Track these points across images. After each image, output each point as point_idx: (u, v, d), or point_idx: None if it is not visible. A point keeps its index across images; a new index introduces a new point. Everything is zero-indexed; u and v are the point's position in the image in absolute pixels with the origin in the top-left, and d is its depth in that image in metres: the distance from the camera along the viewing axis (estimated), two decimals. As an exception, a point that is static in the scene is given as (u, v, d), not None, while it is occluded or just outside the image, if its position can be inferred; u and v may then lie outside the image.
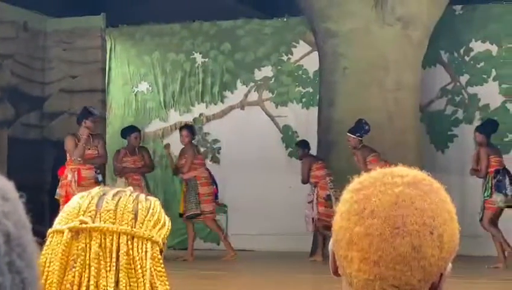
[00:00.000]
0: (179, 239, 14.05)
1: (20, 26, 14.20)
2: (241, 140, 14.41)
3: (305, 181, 12.46)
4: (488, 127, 11.92)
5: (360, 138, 11.71)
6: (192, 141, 12.69)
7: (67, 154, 11.01)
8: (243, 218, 14.25)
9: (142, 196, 1.56)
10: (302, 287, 9.75)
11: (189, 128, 12.84)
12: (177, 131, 15.02)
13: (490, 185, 11.50)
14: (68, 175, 10.83)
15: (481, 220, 11.54)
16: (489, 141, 11.71)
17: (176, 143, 14.97)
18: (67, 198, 10.50)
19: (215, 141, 14.87)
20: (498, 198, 11.42)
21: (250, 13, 14.47)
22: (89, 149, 11.05)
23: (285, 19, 14.58)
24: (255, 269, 11.64)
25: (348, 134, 11.80)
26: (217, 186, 12.69)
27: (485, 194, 11.53)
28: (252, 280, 10.33)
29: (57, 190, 10.89)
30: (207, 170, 12.75)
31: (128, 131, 12.47)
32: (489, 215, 11.52)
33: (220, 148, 14.84)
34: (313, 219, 12.31)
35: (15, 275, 0.66)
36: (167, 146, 13.11)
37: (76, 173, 10.84)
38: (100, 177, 10.98)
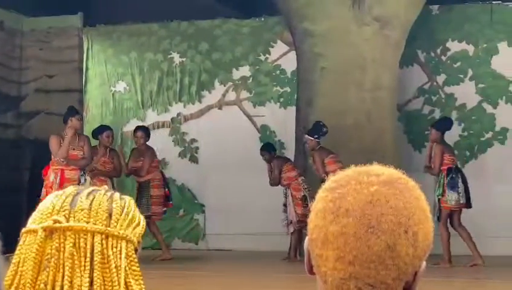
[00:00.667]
0: (155, 240, 14.05)
1: (-4, 25, 14.13)
2: (219, 140, 14.41)
3: (276, 183, 12.47)
4: (444, 124, 11.91)
5: (317, 140, 11.73)
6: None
7: (52, 155, 10.86)
8: (221, 218, 14.26)
9: (117, 195, 1.55)
10: (279, 286, 9.76)
11: (144, 130, 12.79)
12: (156, 130, 15.04)
13: (443, 183, 11.45)
14: (50, 176, 10.66)
15: (439, 220, 11.38)
16: (443, 139, 11.70)
17: (154, 143, 14.98)
18: None
19: (193, 140, 14.87)
20: (452, 196, 11.38)
21: (227, 13, 14.47)
22: (74, 150, 10.86)
23: (262, 19, 14.60)
24: (233, 268, 11.64)
25: (306, 136, 11.86)
26: (169, 189, 12.70)
27: (437, 193, 11.43)
28: (230, 279, 10.33)
29: (42, 190, 10.68)
30: (161, 172, 12.75)
31: (99, 130, 12.34)
32: (445, 215, 11.44)
33: (198, 148, 14.83)
34: (291, 221, 12.31)
35: None
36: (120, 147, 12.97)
37: (59, 174, 10.67)
38: (83, 179, 10.79)
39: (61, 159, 10.67)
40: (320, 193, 1.38)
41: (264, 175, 13.49)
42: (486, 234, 13.09)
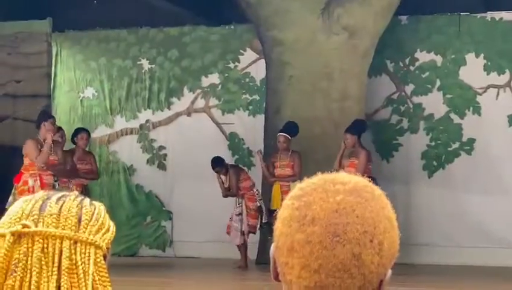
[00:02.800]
0: (124, 246, 14.00)
1: (-36, 30, 14.03)
2: (188, 147, 14.39)
3: (234, 193, 12.45)
4: (358, 127, 11.69)
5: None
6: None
7: (26, 159, 10.60)
8: (188, 225, 14.23)
9: (87, 201, 1.55)
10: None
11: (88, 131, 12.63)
12: (124, 137, 14.99)
13: None
14: (29, 181, 10.41)
15: None
16: (360, 142, 11.59)
17: (122, 149, 14.94)
18: None
19: (161, 147, 14.82)
20: None
21: (197, 20, 14.46)
22: (51, 155, 10.68)
23: (232, 27, 14.60)
24: (200, 276, 11.63)
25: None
26: None
27: None
28: (196, 287, 10.32)
29: (10, 198, 10.30)
30: None
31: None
32: None
33: (166, 155, 14.79)
34: (242, 231, 12.30)
35: None
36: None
37: (38, 178, 10.50)
38: (57, 185, 10.66)
39: (42, 165, 10.49)
40: (287, 201, 1.38)
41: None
42: (451, 243, 13.19)
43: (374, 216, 1.33)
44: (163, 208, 14.73)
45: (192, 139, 14.39)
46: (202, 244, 13.92)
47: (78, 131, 12.43)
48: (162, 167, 14.79)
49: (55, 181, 10.65)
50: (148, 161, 14.85)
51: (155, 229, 14.73)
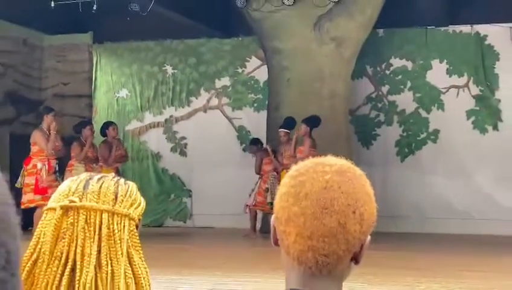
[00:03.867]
0: (152, 218, 14.02)
1: (21, 42, 14.02)
2: (204, 137, 14.38)
3: (257, 172, 12.42)
4: (313, 121, 11.43)
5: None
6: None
7: (34, 146, 10.38)
8: (205, 201, 14.24)
9: (122, 180, 1.56)
10: (253, 257, 9.78)
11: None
12: (152, 129, 14.98)
13: None
14: (38, 164, 10.23)
15: None
16: (311, 134, 11.36)
17: (150, 139, 14.94)
18: (36, 185, 10.18)
19: (183, 138, 14.82)
20: None
21: (211, 33, 14.44)
22: (56, 141, 10.54)
23: (240, 38, 14.57)
24: (216, 243, 11.64)
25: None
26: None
27: None
28: (213, 252, 10.33)
29: (21, 178, 10.22)
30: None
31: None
32: None
33: (186, 144, 14.79)
34: (248, 205, 12.23)
35: (2, 249, 0.62)
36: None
37: (46, 163, 10.35)
38: (57, 167, 10.50)
39: (51, 151, 10.42)
40: (284, 179, 1.38)
41: (240, 165, 13.53)
42: (421, 215, 13.20)
43: (356, 192, 1.34)
44: (184, 188, 14.74)
45: (208, 131, 14.38)
46: (216, 216, 13.94)
47: (108, 124, 12.26)
48: (183, 153, 14.79)
49: (56, 164, 10.49)
50: (171, 149, 14.85)
51: (178, 204, 14.74)
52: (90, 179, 1.53)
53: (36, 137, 10.45)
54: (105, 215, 1.48)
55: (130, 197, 1.53)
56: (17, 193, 10.25)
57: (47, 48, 14.52)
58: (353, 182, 1.35)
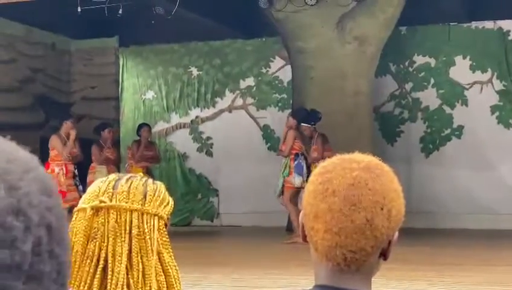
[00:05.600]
0: (179, 217, 14.06)
1: (49, 46, 14.14)
2: (230, 137, 14.40)
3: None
4: (301, 114, 11.03)
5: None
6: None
7: (52, 151, 10.43)
8: (231, 200, 14.26)
9: (150, 181, 1.56)
10: (280, 253, 9.76)
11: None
12: (178, 130, 15.03)
13: (289, 165, 10.49)
14: (55, 169, 10.25)
15: (280, 195, 10.60)
16: (298, 127, 10.87)
17: (177, 139, 14.99)
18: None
19: (209, 138, 14.85)
20: (296, 179, 10.39)
21: (235, 35, 14.45)
22: (73, 148, 10.60)
23: (264, 39, 14.56)
24: (243, 241, 11.64)
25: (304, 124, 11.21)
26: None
27: (284, 173, 10.54)
28: (241, 250, 10.34)
29: None
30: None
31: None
32: (288, 193, 10.46)
33: (212, 144, 14.82)
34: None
35: (53, 260, 0.63)
36: None
37: (63, 167, 10.37)
38: (76, 172, 10.54)
39: (68, 156, 10.46)
40: (312, 177, 1.38)
41: (265, 164, 13.50)
42: (446, 210, 13.11)
43: (383, 188, 1.33)
44: (211, 187, 14.77)
45: (233, 131, 14.39)
46: (243, 215, 13.95)
47: (141, 126, 12.41)
48: (209, 153, 14.82)
49: (75, 169, 10.54)
50: (198, 149, 14.89)
51: (204, 204, 14.78)
52: (119, 179, 1.54)
53: (53, 142, 10.55)
54: (135, 215, 1.49)
55: (159, 197, 1.53)
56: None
57: (75, 52, 14.63)
58: (381, 179, 1.34)
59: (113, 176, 1.55)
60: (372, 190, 1.32)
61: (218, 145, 14.68)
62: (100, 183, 1.54)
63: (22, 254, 0.59)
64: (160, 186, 1.56)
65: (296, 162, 10.39)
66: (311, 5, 12.26)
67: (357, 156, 1.39)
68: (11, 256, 0.59)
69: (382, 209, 1.32)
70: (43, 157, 12.90)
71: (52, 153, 10.48)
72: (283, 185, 10.55)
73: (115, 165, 11.48)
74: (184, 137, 14.91)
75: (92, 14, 12.47)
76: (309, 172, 10.12)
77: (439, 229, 12.50)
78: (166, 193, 1.57)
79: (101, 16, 12.59)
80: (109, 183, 1.52)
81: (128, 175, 1.56)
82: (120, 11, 12.17)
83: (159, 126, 15.10)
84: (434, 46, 13.54)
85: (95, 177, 10.48)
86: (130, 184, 1.52)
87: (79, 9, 11.60)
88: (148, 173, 11.63)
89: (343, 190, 1.32)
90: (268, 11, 12.62)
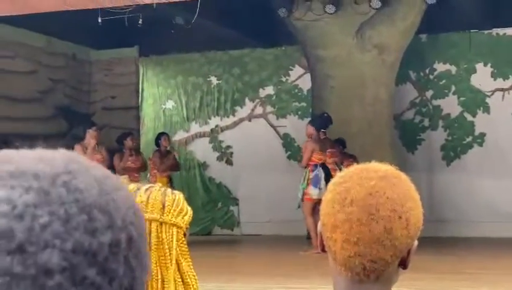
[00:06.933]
0: (200, 227, 14.06)
1: (70, 57, 14.25)
2: (249, 146, 14.40)
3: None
4: (319, 122, 10.88)
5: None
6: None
7: None
8: (252, 209, 14.25)
9: (169, 190, 1.57)
10: (300, 263, 9.73)
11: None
12: (198, 139, 15.06)
13: (307, 177, 10.34)
14: None
15: (299, 207, 10.46)
16: (318, 135, 10.68)
17: (197, 148, 15.02)
18: None
19: (228, 147, 14.87)
20: (313, 191, 10.18)
21: (254, 44, 14.47)
22: (96, 154, 10.60)
23: (283, 48, 14.57)
24: (263, 250, 11.63)
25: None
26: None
27: (302, 185, 10.38)
28: (261, 259, 10.32)
29: None
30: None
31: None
32: (307, 205, 10.29)
33: (232, 153, 14.83)
34: None
35: (128, 269, 0.65)
36: None
37: None
38: None
39: None
40: (329, 186, 1.38)
41: (286, 172, 13.47)
42: (468, 219, 13.01)
43: (401, 197, 1.33)
44: (231, 196, 14.77)
45: (253, 140, 14.40)
46: (263, 224, 13.93)
47: (160, 135, 12.47)
48: (229, 162, 14.84)
49: None
50: (218, 158, 14.90)
51: (225, 212, 14.78)
52: (138, 189, 1.55)
53: (76, 151, 10.56)
54: (154, 225, 1.49)
55: (177, 207, 1.54)
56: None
57: (95, 63, 14.73)
58: (398, 188, 1.34)
59: (132, 186, 1.57)
60: (390, 199, 1.32)
61: (238, 154, 14.69)
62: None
63: (100, 244, 0.63)
64: (179, 196, 1.57)
65: (313, 174, 10.30)
66: (331, 14, 12.27)
67: (374, 165, 1.39)
68: (89, 243, 0.62)
69: (400, 218, 1.32)
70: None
71: None
72: (302, 197, 10.45)
73: (139, 173, 11.56)
74: (204, 146, 14.94)
75: (112, 25, 12.54)
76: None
77: (460, 238, 12.41)
78: (185, 202, 1.57)
79: (121, 26, 12.67)
80: (128, 194, 1.53)
81: (148, 185, 1.57)
82: (140, 21, 12.24)
83: (179, 135, 15.14)
84: (455, 53, 13.48)
85: None
86: (149, 194, 1.53)
87: (99, 20, 11.69)
88: (170, 181, 11.74)
89: (361, 200, 1.32)
90: (287, 19, 12.63)
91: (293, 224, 12.83)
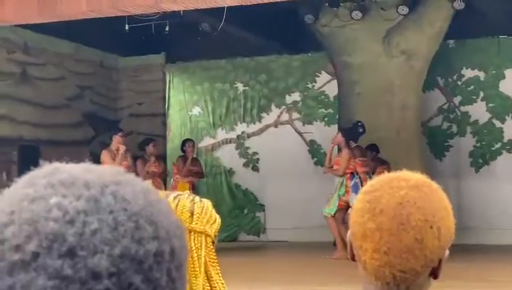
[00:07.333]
0: (226, 233, 14.07)
1: (98, 64, 14.35)
2: (276, 152, 14.39)
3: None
4: (351, 132, 10.78)
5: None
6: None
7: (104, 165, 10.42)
8: (278, 215, 14.23)
9: (197, 198, 1.57)
10: (327, 271, 9.70)
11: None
12: (224, 146, 15.08)
13: (346, 184, 10.24)
14: None
15: (334, 215, 10.33)
16: (348, 143, 10.58)
17: (223, 155, 15.04)
18: None
19: (255, 153, 14.87)
20: (354, 199, 9.97)
21: (281, 50, 14.47)
22: (124, 160, 10.64)
23: (309, 54, 14.55)
24: (290, 256, 11.60)
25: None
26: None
27: (340, 192, 10.27)
28: (287, 266, 10.30)
29: None
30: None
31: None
32: (341, 212, 10.26)
33: (258, 159, 14.83)
34: None
35: (169, 280, 0.67)
36: None
37: None
38: None
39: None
40: (359, 195, 1.37)
41: (312, 179, 13.45)
42: (496, 226, 12.87)
43: (432, 207, 1.32)
44: (257, 202, 14.77)
45: (279, 146, 14.39)
46: (290, 230, 13.91)
47: (185, 141, 12.45)
48: (255, 169, 14.84)
49: None
50: (244, 165, 14.91)
51: (251, 219, 14.78)
52: (166, 197, 1.55)
53: (103, 157, 10.67)
54: (182, 233, 1.49)
55: (206, 214, 1.54)
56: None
57: (122, 69, 14.82)
58: (429, 197, 1.33)
59: (160, 194, 1.57)
60: (421, 208, 1.31)
61: (264, 161, 14.69)
62: (148, 202, 1.55)
63: (146, 253, 0.66)
64: (207, 203, 1.57)
65: (353, 182, 10.22)
66: (357, 20, 12.23)
67: (405, 174, 1.37)
68: (136, 250, 0.65)
69: (431, 228, 1.31)
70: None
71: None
72: (338, 205, 10.29)
73: (161, 178, 11.58)
74: (230, 152, 14.96)
75: (139, 32, 12.64)
76: None
77: (489, 246, 12.28)
78: (213, 210, 1.57)
79: (148, 33, 12.76)
80: (157, 202, 1.53)
81: (176, 193, 1.57)
82: (167, 28, 12.31)
83: (205, 142, 15.17)
84: (483, 59, 13.37)
85: None
86: (178, 202, 1.53)
87: (126, 27, 11.78)
88: (194, 188, 11.73)
89: (392, 209, 1.31)
90: (314, 26, 12.62)
91: (320, 230, 12.78)
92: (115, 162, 10.44)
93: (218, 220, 1.57)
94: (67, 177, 0.68)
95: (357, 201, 1.37)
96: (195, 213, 1.52)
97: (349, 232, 1.38)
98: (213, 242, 1.54)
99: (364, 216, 1.33)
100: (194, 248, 1.49)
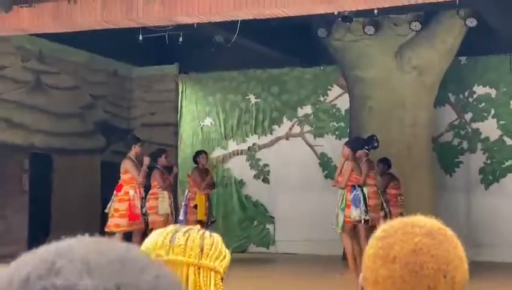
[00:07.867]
0: (236, 244, 14.05)
1: (111, 73, 14.39)
2: (287, 165, 14.37)
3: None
4: (355, 143, 10.54)
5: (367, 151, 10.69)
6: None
7: (125, 175, 10.42)
8: (288, 227, 14.20)
9: (207, 233, 1.55)
10: (335, 283, 9.65)
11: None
12: (235, 157, 15.06)
13: (346, 197, 9.92)
14: (130, 191, 10.28)
15: (342, 231, 9.96)
16: (355, 156, 10.25)
17: (234, 166, 15.02)
18: (130, 211, 10.29)
19: (266, 165, 14.85)
20: (354, 212, 9.77)
21: (293, 63, 14.46)
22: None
23: (322, 68, 14.54)
24: (299, 269, 11.55)
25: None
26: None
27: (341, 206, 9.97)
28: (296, 278, 10.25)
29: (111, 203, 10.31)
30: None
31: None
32: (347, 227, 9.91)
33: (269, 171, 14.80)
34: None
35: None
36: None
37: (137, 190, 10.37)
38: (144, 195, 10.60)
39: (142, 180, 10.43)
40: (372, 241, 1.34)
41: (322, 192, 13.40)
42: (506, 243, 12.78)
43: (446, 255, 1.28)
44: (267, 214, 14.73)
45: (290, 159, 14.36)
46: (299, 243, 13.87)
47: (199, 152, 12.39)
48: (266, 180, 14.81)
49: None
50: (255, 176, 14.89)
51: (261, 230, 14.74)
52: (176, 232, 1.53)
53: (127, 166, 10.54)
54: (191, 269, 1.47)
55: (216, 250, 1.52)
56: (105, 218, 10.51)
57: (135, 79, 14.85)
58: (444, 245, 1.29)
59: (170, 228, 1.54)
60: (435, 256, 1.28)
61: (274, 173, 14.66)
62: (157, 236, 1.53)
63: None
64: (217, 239, 1.54)
65: (352, 195, 9.92)
66: (370, 35, 12.21)
67: (419, 219, 1.34)
68: None
69: (445, 277, 1.27)
70: (104, 180, 13.09)
71: (125, 176, 10.47)
72: (343, 221, 9.98)
73: (169, 190, 11.55)
74: (241, 164, 14.94)
75: (153, 42, 12.67)
76: (366, 204, 9.92)
77: (498, 263, 12.19)
78: (223, 246, 1.55)
79: (162, 44, 12.79)
80: (166, 237, 1.51)
81: (186, 227, 1.55)
82: (180, 39, 12.33)
83: (217, 153, 15.16)
84: (495, 76, 13.31)
85: (157, 203, 10.62)
86: (187, 237, 1.51)
87: (140, 38, 11.80)
88: (208, 199, 11.72)
89: (405, 257, 1.28)
90: (326, 40, 12.61)
91: (329, 244, 12.75)
92: (141, 172, 10.38)
93: (228, 256, 1.55)
94: (63, 284, 0.63)
95: (369, 246, 1.34)
96: (204, 249, 1.50)
97: (361, 276, 1.35)
98: (222, 279, 1.51)
99: (376, 262, 1.30)
100: (202, 285, 1.46)
